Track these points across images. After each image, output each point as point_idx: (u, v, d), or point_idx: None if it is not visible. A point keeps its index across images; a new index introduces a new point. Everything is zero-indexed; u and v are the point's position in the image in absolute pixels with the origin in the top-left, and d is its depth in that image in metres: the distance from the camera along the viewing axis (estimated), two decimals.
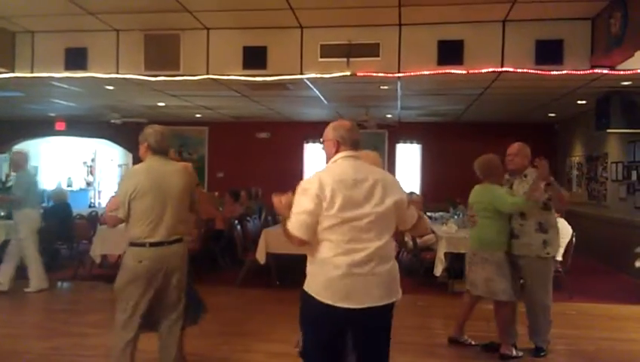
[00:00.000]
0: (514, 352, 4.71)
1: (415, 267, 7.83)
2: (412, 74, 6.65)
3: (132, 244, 3.55)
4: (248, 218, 8.65)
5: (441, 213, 9.37)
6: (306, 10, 6.08)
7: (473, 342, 5.01)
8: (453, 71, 6.51)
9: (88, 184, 16.66)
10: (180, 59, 6.83)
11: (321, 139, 3.08)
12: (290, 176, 12.69)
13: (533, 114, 10.70)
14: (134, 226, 3.53)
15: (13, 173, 14.47)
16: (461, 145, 12.15)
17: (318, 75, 6.77)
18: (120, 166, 15.80)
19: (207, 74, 6.89)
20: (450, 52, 6.43)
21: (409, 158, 12.98)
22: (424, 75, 6.63)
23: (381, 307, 2.68)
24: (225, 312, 6.11)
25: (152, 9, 6.14)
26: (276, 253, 7.20)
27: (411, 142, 12.94)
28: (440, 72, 6.55)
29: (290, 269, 7.45)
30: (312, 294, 2.70)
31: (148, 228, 3.52)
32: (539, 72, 6.34)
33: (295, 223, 2.66)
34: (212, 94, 8.63)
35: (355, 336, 2.76)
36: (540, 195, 4.38)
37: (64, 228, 8.43)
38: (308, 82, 7.28)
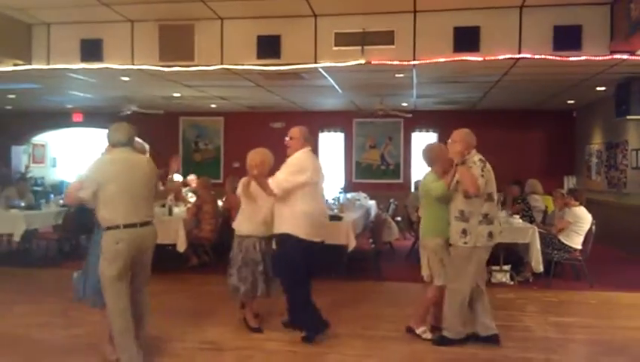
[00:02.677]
0: (419, 330, 4.71)
1: None
2: (427, 61, 6.59)
3: (107, 228, 3.87)
4: None
5: None
6: None
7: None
8: (469, 58, 6.44)
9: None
10: (195, 49, 6.85)
11: (290, 137, 4.74)
12: None
13: (551, 101, 10.55)
14: (104, 211, 3.89)
15: (32, 165, 14.79)
16: (478, 134, 11.76)
17: (332, 64, 6.73)
18: None
19: (222, 64, 6.90)
20: (467, 39, 6.36)
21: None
22: (440, 62, 6.56)
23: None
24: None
25: None
26: None
27: (427, 131, 12.83)
28: (456, 59, 6.48)
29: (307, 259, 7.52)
30: (300, 235, 4.43)
31: (119, 212, 3.89)
32: (557, 58, 6.25)
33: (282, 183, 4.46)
34: (226, 84, 8.64)
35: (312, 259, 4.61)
36: (449, 179, 4.43)
37: (84, 217, 8.52)
38: (322, 71, 7.24)
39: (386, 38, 6.55)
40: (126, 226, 3.88)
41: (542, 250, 6.71)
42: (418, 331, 4.73)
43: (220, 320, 5.30)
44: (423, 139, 12.83)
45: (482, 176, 4.41)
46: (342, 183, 12.44)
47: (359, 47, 6.60)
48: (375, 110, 10.25)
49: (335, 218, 7.48)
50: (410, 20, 6.49)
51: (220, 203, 8.03)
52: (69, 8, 6.43)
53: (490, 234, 4.48)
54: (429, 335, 4.67)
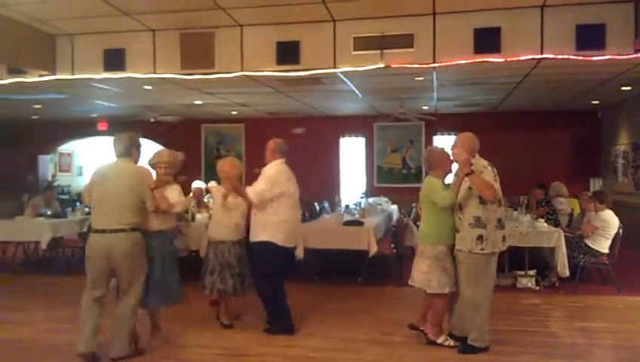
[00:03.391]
0: (440, 339, 4.63)
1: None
2: (447, 64, 6.54)
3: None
4: None
5: None
6: (339, 3, 6.05)
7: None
8: (490, 59, 6.38)
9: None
10: (215, 56, 6.91)
11: (268, 148, 5.10)
12: (327, 171, 12.77)
13: (575, 101, 10.38)
14: (91, 214, 4.38)
15: (59, 174, 15.08)
16: (500, 136, 11.89)
17: (352, 69, 6.73)
18: None
19: (242, 70, 6.95)
20: (487, 40, 6.30)
21: (447, 150, 12.76)
22: (460, 64, 6.51)
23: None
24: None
25: (187, 8, 6.23)
26: (314, 248, 7.22)
27: (449, 134, 12.71)
28: (476, 60, 6.43)
29: (329, 265, 7.50)
30: (278, 242, 4.83)
31: (95, 216, 4.29)
32: (580, 57, 6.14)
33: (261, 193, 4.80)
34: (247, 91, 8.69)
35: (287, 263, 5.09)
36: (458, 189, 4.37)
37: None
38: (342, 76, 7.24)
39: (405, 41, 6.53)
40: (95, 231, 4.22)
41: (568, 254, 6.58)
42: (439, 341, 4.64)
43: (245, 326, 5.32)
44: (444, 143, 12.77)
45: (495, 180, 4.36)
46: (363, 188, 12.42)
47: (378, 51, 6.59)
48: (396, 114, 10.21)
49: (356, 223, 7.46)
50: (430, 23, 6.45)
51: None
52: (92, 19, 6.55)
53: (504, 239, 4.45)
54: (451, 343, 4.60)
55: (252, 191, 4.81)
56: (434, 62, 6.57)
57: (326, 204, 10.59)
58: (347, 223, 7.49)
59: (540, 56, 6.26)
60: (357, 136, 12.95)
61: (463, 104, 10.90)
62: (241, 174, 5.27)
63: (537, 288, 6.73)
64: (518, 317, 5.61)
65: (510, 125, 11.92)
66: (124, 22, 6.64)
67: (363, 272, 7.08)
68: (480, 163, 4.44)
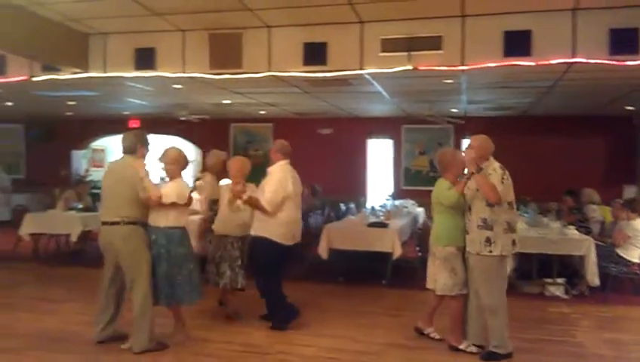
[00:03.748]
0: (463, 345, 4.57)
1: None
2: (476, 67, 6.45)
3: None
4: (311, 213, 8.70)
5: None
6: (366, 4, 6.02)
7: (437, 336, 4.86)
8: (520, 63, 6.26)
9: (162, 179, 17.30)
10: (243, 57, 6.96)
11: (272, 149, 5.41)
12: (353, 172, 12.74)
13: (608, 107, 10.11)
14: None
15: (92, 168, 15.40)
16: (531, 140, 11.71)
17: (378, 70, 6.69)
18: (192, 162, 16.25)
19: (269, 71, 6.98)
20: (517, 43, 6.18)
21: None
22: (489, 67, 6.41)
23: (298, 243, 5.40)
24: None
25: (216, 9, 6.28)
26: (339, 249, 7.23)
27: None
28: (506, 63, 6.31)
29: (353, 265, 7.49)
30: (277, 239, 5.04)
31: (101, 209, 4.72)
32: (613, 62, 5.98)
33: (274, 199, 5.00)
34: (274, 91, 8.73)
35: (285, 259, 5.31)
36: (462, 187, 4.42)
37: None
38: (369, 77, 7.21)
39: (434, 43, 6.46)
40: (102, 224, 4.57)
41: (598, 262, 6.42)
42: (461, 347, 4.59)
43: (266, 324, 5.36)
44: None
45: (502, 183, 4.31)
46: (390, 190, 12.36)
47: (406, 53, 6.53)
48: (423, 116, 10.12)
49: (380, 225, 7.43)
50: (459, 25, 6.37)
51: None
52: (124, 18, 6.67)
53: (514, 243, 4.40)
54: (473, 349, 4.54)
55: (266, 202, 5.01)
56: (462, 65, 6.49)
57: (352, 205, 10.57)
58: (371, 225, 7.46)
59: (571, 60, 6.12)
60: (385, 137, 12.87)
61: (494, 107, 10.74)
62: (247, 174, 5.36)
63: (566, 297, 6.58)
64: (545, 325, 5.51)
65: (541, 130, 11.69)
66: (155, 22, 6.74)
67: (387, 275, 7.04)
68: (491, 165, 4.43)
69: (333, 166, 12.49)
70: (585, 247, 6.45)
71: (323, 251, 7.20)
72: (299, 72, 6.96)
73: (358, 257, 7.44)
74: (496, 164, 4.45)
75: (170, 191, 4.52)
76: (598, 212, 8.16)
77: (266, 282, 5.20)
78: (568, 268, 6.86)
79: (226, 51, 7.00)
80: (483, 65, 6.40)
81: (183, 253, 4.58)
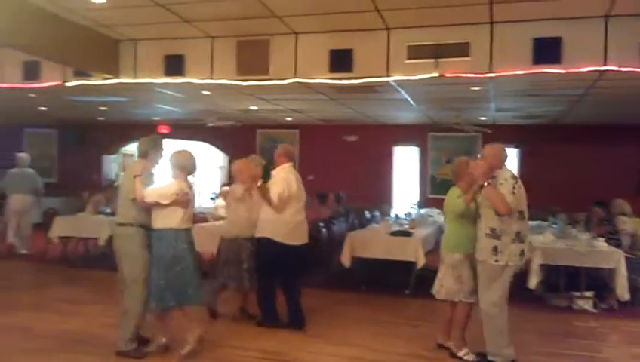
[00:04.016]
0: (461, 353, 4.60)
1: None
2: (505, 74, 6.36)
3: None
4: (334, 221, 8.67)
5: (538, 222, 8.86)
6: (393, 11, 6.01)
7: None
8: (550, 70, 6.15)
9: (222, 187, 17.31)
10: (269, 63, 7.00)
11: (276, 153, 5.56)
12: (379, 180, 12.67)
13: None
14: None
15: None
16: (562, 149, 11.48)
17: (404, 77, 6.65)
18: (220, 168, 16.38)
19: (295, 77, 7.01)
20: (547, 50, 6.08)
21: (506, 163, 12.37)
22: (518, 75, 6.31)
23: (304, 244, 5.47)
24: (308, 313, 6.14)
25: (244, 16, 6.35)
26: (362, 257, 7.18)
27: (507, 146, 12.26)
28: (535, 71, 6.21)
29: (375, 274, 7.43)
30: (278, 239, 5.23)
31: None
32: None
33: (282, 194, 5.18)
34: (300, 97, 8.76)
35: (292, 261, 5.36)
36: (469, 198, 4.43)
37: None
38: (394, 84, 7.17)
39: (461, 50, 6.40)
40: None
41: (629, 276, 6.23)
42: (460, 354, 4.62)
43: (287, 330, 5.34)
44: None
45: (514, 193, 4.27)
46: (416, 198, 12.24)
47: (433, 60, 6.48)
48: (450, 124, 10.02)
49: (404, 233, 7.36)
50: (487, 32, 6.30)
51: None
52: (154, 25, 6.79)
53: (522, 253, 4.36)
54: (470, 357, 4.56)
55: (274, 195, 5.19)
56: (490, 72, 6.40)
57: (377, 213, 10.50)
58: (395, 233, 7.40)
59: (602, 68, 5.98)
60: (411, 145, 12.78)
61: (523, 116, 10.57)
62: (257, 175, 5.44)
63: (595, 311, 6.40)
64: (571, 339, 5.38)
65: (572, 138, 11.45)
66: (185, 29, 6.85)
67: (411, 284, 6.96)
68: (503, 175, 4.39)
69: (358, 173, 12.45)
70: (615, 260, 6.28)
71: (346, 259, 7.16)
72: (325, 79, 6.97)
73: (382, 266, 7.37)
74: (508, 173, 4.42)
75: (152, 191, 4.49)
76: (629, 224, 7.93)
77: (261, 278, 5.42)
78: (597, 281, 6.67)
79: (253, 58, 7.06)
80: (511, 73, 6.30)
81: (170, 255, 4.47)
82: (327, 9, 6.05)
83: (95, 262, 8.74)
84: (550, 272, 6.69)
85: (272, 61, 7.02)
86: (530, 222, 8.61)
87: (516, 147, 12.23)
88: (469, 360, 4.56)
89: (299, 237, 5.42)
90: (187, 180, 4.66)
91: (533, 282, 6.53)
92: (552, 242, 6.95)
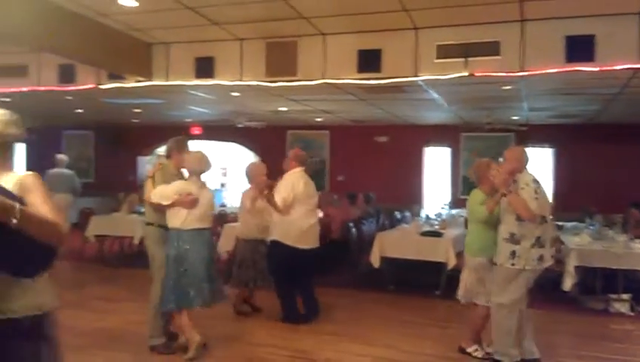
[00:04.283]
0: (470, 348, 4.68)
1: (540, 279, 7.30)
2: (536, 72, 6.24)
3: None
4: (364, 221, 8.67)
5: (573, 223, 8.69)
6: (421, 10, 5.96)
7: (489, 350, 4.73)
8: (583, 68, 6.00)
9: (222, 185, 17.68)
10: (298, 64, 7.04)
11: (288, 157, 5.84)
12: (410, 180, 12.59)
13: None
14: None
15: None
16: (599, 149, 11.21)
17: (433, 77, 6.60)
18: None
19: (323, 78, 7.02)
20: (580, 48, 5.93)
21: (540, 163, 12.15)
22: (550, 73, 6.19)
23: (316, 247, 5.67)
24: (336, 313, 6.19)
25: (273, 17, 6.39)
26: (391, 257, 7.16)
27: (542, 146, 12.11)
28: (568, 69, 6.07)
29: (404, 274, 7.40)
30: (286, 242, 5.45)
31: None
32: None
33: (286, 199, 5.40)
34: (329, 98, 8.78)
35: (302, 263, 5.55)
36: (492, 206, 4.40)
37: None
38: (423, 84, 7.12)
39: (491, 48, 6.30)
40: None
41: None
42: (469, 350, 4.67)
43: (316, 329, 5.38)
44: (536, 155, 12.14)
45: (536, 198, 4.20)
46: (447, 199, 12.12)
47: (462, 59, 6.41)
48: (482, 124, 9.89)
49: (434, 234, 7.31)
50: (517, 30, 6.19)
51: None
52: (185, 28, 6.90)
53: (541, 258, 4.29)
54: (479, 354, 4.61)
55: (278, 200, 5.42)
56: (522, 71, 6.29)
57: (407, 214, 10.45)
58: (425, 233, 7.35)
59: (637, 66, 5.81)
60: (442, 145, 12.65)
61: (557, 115, 10.35)
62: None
63: (631, 313, 6.26)
64: (606, 342, 5.26)
65: (609, 138, 11.14)
66: (215, 31, 6.94)
67: (441, 285, 6.91)
68: (524, 179, 4.34)
69: (389, 173, 12.40)
70: None
71: (375, 259, 7.15)
72: (353, 80, 6.97)
73: (411, 266, 7.34)
74: (529, 178, 4.36)
75: (156, 191, 4.58)
76: None
77: (277, 280, 5.67)
78: (634, 283, 6.51)
79: (281, 59, 7.11)
80: (543, 72, 6.18)
81: (173, 255, 4.52)
82: (354, 10, 6.04)
83: (130, 260, 8.95)
84: (587, 274, 6.56)
85: (300, 62, 7.06)
86: (566, 223, 8.57)
87: (551, 147, 11.99)
88: (478, 356, 4.62)
89: (309, 241, 5.62)
90: (197, 181, 4.66)
91: (568, 284, 6.41)
92: (589, 244, 6.80)
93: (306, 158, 5.91)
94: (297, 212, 5.50)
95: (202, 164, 4.71)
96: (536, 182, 4.34)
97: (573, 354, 4.63)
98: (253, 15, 6.37)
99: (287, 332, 5.35)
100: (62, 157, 10.21)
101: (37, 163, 9.81)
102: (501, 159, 4.63)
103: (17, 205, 1.78)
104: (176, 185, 4.58)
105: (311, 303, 5.75)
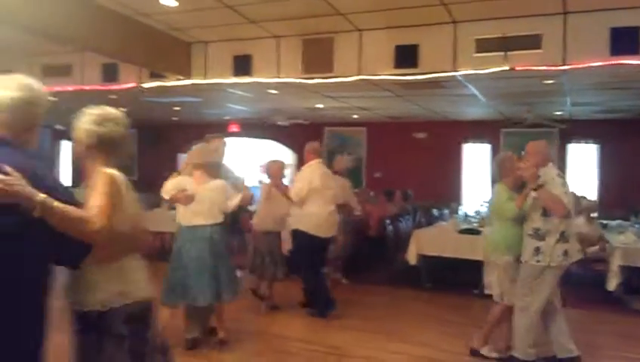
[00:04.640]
0: (484, 351, 4.58)
1: (583, 278, 7.12)
2: (579, 66, 6.05)
3: None
4: (401, 218, 8.61)
5: (618, 221, 8.42)
6: (460, 4, 5.87)
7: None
8: (628, 61, 5.79)
9: (260, 182, 17.83)
10: (334, 61, 7.04)
11: (305, 150, 6.14)
12: (448, 177, 12.41)
13: None
14: None
15: None
16: None
17: (472, 72, 6.48)
18: (288, 166, 16.59)
19: (359, 74, 7.00)
20: (625, 40, 5.71)
21: (584, 159, 11.80)
22: (594, 66, 5.99)
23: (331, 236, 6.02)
24: (373, 310, 6.19)
25: (309, 14, 6.40)
26: (428, 255, 7.09)
27: (586, 142, 11.75)
28: (613, 62, 5.87)
29: (441, 272, 7.31)
30: (309, 231, 5.70)
31: None
32: None
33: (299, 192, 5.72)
34: (365, 95, 8.74)
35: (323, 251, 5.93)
36: (521, 201, 4.28)
37: (234, 221, 9.18)
38: (462, 79, 7.00)
39: (532, 42, 6.14)
40: None
41: None
42: (483, 351, 4.59)
43: (350, 325, 5.38)
44: (580, 151, 11.80)
45: (566, 193, 4.13)
46: (487, 196, 11.88)
47: (502, 53, 6.27)
48: (524, 119, 9.67)
49: (473, 232, 7.19)
50: (560, 22, 6.02)
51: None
52: (223, 27, 6.98)
53: (566, 253, 4.20)
54: (494, 354, 4.52)
55: (292, 193, 5.77)
56: (564, 65, 6.12)
57: (446, 211, 10.32)
58: (463, 231, 7.25)
59: None
60: (481, 142, 12.41)
61: (603, 110, 10.02)
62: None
63: None
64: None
65: None
66: (252, 29, 7.00)
67: (480, 284, 6.79)
68: (550, 173, 4.25)
69: (426, 170, 12.26)
70: None
71: (411, 257, 7.10)
72: (389, 75, 6.91)
73: (449, 264, 7.25)
74: (554, 172, 4.28)
75: (164, 190, 4.68)
76: None
77: (304, 271, 5.87)
78: None
79: (317, 56, 7.12)
80: (586, 65, 5.99)
81: (174, 250, 4.66)
82: (391, 5, 5.99)
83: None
84: (632, 274, 6.35)
85: (336, 58, 7.05)
86: (611, 222, 8.29)
87: (595, 143, 11.62)
88: (492, 357, 4.57)
89: (328, 230, 5.90)
90: (202, 175, 4.58)
91: (612, 284, 6.24)
92: (634, 242, 6.58)
93: (320, 149, 6.26)
94: (315, 202, 5.75)
95: (203, 156, 4.67)
96: (561, 176, 4.28)
97: (617, 355, 4.48)
98: (290, 12, 6.40)
99: (319, 327, 5.37)
100: None
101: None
102: (523, 153, 4.51)
103: (39, 197, 1.82)
104: (174, 181, 4.64)
105: (327, 297, 5.88)
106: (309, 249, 5.77)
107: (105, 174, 2.21)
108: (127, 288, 2.27)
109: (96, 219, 1.99)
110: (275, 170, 6.09)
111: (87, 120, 2.36)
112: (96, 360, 2.22)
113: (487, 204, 10.54)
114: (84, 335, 2.24)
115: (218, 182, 4.64)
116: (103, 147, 2.32)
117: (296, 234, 5.86)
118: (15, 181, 1.79)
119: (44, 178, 1.93)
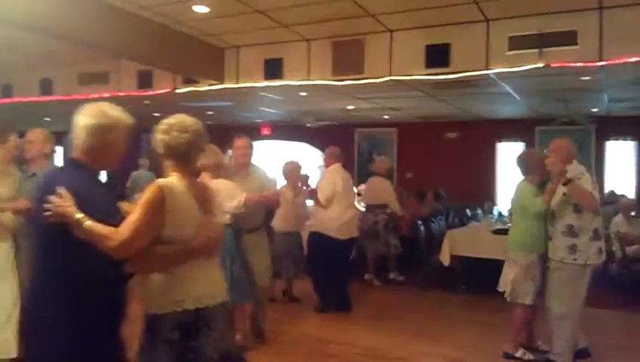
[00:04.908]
0: (518, 353, 4.50)
1: (624, 280, 6.93)
2: (616, 62, 5.92)
3: None
4: (433, 219, 8.54)
5: None
6: (492, 1, 5.81)
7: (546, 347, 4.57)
8: None
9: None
10: (364, 62, 7.04)
11: (325, 154, 6.49)
12: (481, 178, 12.24)
13: None
14: None
15: None
16: None
17: (505, 70, 6.40)
18: (319, 167, 16.64)
19: (390, 75, 6.98)
20: None
21: (621, 157, 11.50)
22: (632, 62, 5.85)
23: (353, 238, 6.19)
24: (407, 312, 6.17)
25: (339, 16, 6.43)
26: (461, 256, 7.03)
27: (624, 139, 11.45)
28: None
29: (476, 273, 7.22)
30: (328, 233, 5.92)
31: None
32: None
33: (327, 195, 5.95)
34: (396, 95, 8.71)
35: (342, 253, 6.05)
36: (549, 197, 4.20)
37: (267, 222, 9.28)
38: (495, 77, 6.92)
39: (568, 38, 6.03)
40: None
41: None
42: (517, 354, 4.52)
43: (386, 327, 5.37)
44: (618, 149, 11.51)
45: (595, 189, 4.08)
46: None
47: (536, 50, 6.18)
48: (559, 117, 9.47)
49: (507, 232, 7.07)
50: (596, 18, 5.90)
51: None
52: (255, 31, 7.07)
53: (600, 251, 4.13)
54: (530, 356, 4.46)
55: (320, 197, 6.00)
56: (601, 61, 5.99)
57: (479, 211, 10.19)
58: (497, 231, 7.15)
59: None
60: (516, 141, 12.20)
61: None
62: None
63: None
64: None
65: None
66: (283, 33, 7.07)
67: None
68: (577, 169, 4.20)
69: (459, 170, 12.12)
70: None
71: (445, 258, 7.05)
72: (421, 75, 6.88)
73: (483, 265, 7.15)
74: (581, 168, 4.22)
75: None
76: None
77: (316, 269, 6.08)
78: None
79: (348, 57, 7.14)
80: (624, 60, 5.86)
81: None
82: (422, 4, 5.96)
83: None
84: None
85: (366, 60, 7.05)
86: None
87: (633, 140, 11.31)
88: (529, 359, 4.50)
89: (349, 232, 6.07)
90: (208, 177, 4.45)
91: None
92: None
93: (340, 154, 6.42)
94: (337, 205, 5.96)
95: (204, 158, 4.38)
96: (588, 172, 4.24)
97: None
98: (319, 15, 6.44)
99: (355, 328, 5.38)
100: (143, 160, 11.34)
101: (120, 165, 10.40)
102: (545, 150, 4.45)
103: (76, 216, 2.11)
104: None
105: (342, 297, 6.02)
106: (326, 250, 5.92)
107: (152, 187, 2.34)
108: (181, 296, 2.32)
109: (116, 236, 2.14)
110: (290, 171, 6.24)
111: (159, 129, 2.54)
112: (145, 360, 2.31)
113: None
114: (142, 335, 2.36)
115: (218, 183, 4.52)
116: (171, 155, 2.50)
117: (316, 236, 6.06)
118: (62, 203, 2.11)
119: (92, 199, 2.21)
